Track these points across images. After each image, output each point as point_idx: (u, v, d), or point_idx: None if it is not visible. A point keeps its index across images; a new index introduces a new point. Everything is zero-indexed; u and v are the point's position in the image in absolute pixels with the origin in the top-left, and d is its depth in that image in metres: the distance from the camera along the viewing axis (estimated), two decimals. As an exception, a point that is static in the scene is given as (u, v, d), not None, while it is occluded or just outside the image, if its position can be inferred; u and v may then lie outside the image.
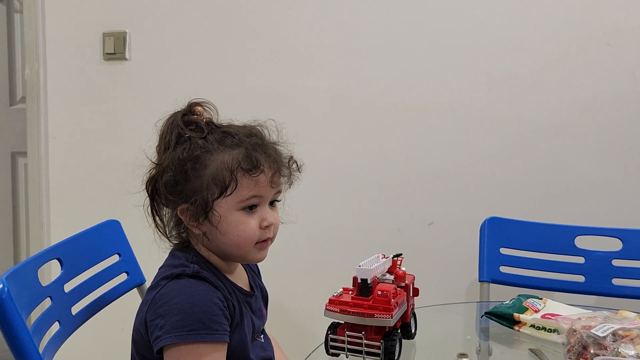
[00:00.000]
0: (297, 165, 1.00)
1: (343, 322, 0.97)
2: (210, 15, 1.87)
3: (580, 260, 1.50)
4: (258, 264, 1.07)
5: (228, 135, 0.94)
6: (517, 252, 1.54)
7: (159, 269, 0.96)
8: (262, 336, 1.05)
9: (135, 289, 1.29)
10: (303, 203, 1.59)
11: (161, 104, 0.94)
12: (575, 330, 0.97)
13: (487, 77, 1.71)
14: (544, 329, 1.11)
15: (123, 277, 1.27)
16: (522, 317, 1.15)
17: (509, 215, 1.60)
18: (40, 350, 0.93)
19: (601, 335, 0.93)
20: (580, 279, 1.50)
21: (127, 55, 1.93)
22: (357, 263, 0.98)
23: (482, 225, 1.56)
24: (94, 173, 1.99)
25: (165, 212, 0.98)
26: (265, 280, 1.12)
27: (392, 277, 1.01)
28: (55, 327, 1.05)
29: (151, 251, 0.96)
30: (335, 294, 0.98)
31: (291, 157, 0.99)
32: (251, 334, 0.98)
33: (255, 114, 1.00)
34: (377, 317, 0.93)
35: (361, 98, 1.79)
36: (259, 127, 0.98)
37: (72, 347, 1.17)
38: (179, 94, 0.99)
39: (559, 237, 1.52)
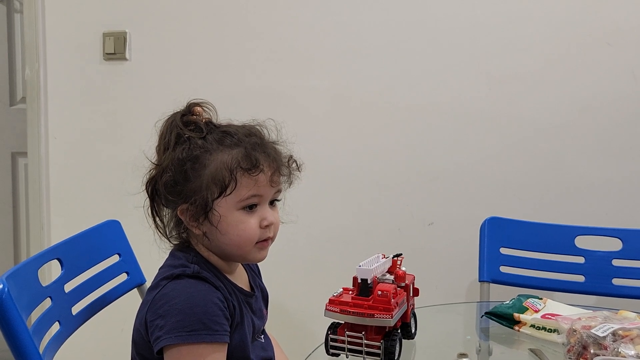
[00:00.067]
0: (297, 165, 1.00)
1: (343, 322, 0.97)
2: (210, 15, 1.87)
3: (580, 260, 1.50)
4: (258, 264, 1.07)
5: (227, 135, 0.94)
6: (517, 252, 1.54)
7: (159, 269, 0.96)
8: (262, 336, 1.05)
9: (136, 289, 1.29)
10: (303, 203, 1.59)
11: (161, 104, 0.94)
12: (575, 330, 0.97)
13: (487, 77, 1.71)
14: (544, 329, 1.11)
15: (123, 277, 1.27)
16: (522, 317, 1.15)
17: (509, 215, 1.60)
18: (41, 350, 0.93)
19: (601, 335, 0.93)
20: (580, 279, 1.50)
21: (127, 55, 1.93)
22: (357, 263, 0.98)
23: (482, 225, 1.56)
24: (94, 173, 1.99)
25: (165, 212, 0.97)
26: (266, 280, 1.12)
27: (392, 277, 1.01)
28: (56, 327, 1.05)
29: (151, 251, 0.96)
30: (335, 294, 0.98)
31: (291, 157, 0.99)
32: (251, 334, 0.98)
33: (255, 114, 1.00)
34: (377, 317, 0.93)
35: (361, 98, 1.79)
36: (258, 127, 0.98)
37: (72, 347, 1.17)
38: (179, 94, 0.99)
39: (559, 237, 1.52)
